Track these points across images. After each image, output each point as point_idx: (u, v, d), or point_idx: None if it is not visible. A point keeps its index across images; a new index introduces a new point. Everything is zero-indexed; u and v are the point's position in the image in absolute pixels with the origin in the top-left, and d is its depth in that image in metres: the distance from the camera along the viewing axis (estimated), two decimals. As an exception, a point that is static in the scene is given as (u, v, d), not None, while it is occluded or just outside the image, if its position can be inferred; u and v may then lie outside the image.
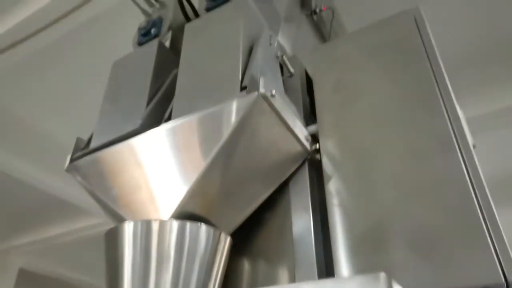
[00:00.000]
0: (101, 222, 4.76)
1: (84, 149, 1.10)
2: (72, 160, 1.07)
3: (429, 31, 1.09)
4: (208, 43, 1.05)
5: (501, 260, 0.73)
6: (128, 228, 0.79)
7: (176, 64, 1.20)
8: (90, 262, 5.60)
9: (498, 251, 0.74)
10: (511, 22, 2.80)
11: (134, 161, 0.94)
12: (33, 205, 4.64)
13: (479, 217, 0.77)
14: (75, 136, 1.15)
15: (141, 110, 1.04)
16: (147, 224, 0.79)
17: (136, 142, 0.95)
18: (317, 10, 1.60)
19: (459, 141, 0.87)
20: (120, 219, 0.94)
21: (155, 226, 0.79)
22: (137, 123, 1.00)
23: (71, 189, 4.22)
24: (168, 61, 1.21)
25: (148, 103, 1.06)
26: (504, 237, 0.76)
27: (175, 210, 0.83)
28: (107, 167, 0.98)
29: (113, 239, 0.80)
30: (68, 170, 1.07)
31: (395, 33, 1.13)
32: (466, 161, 0.84)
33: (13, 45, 2.90)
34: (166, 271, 0.75)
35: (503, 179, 3.66)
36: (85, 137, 1.15)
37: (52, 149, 3.78)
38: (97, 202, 1.03)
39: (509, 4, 2.68)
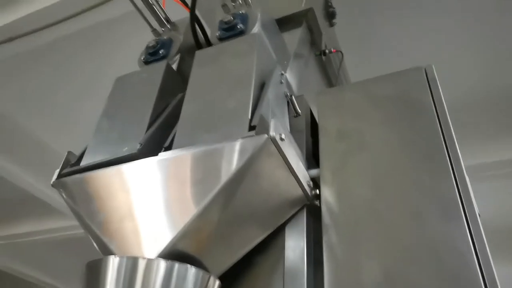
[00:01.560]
0: (71, 225, 4.59)
1: (74, 165, 1.05)
2: (60, 176, 1.01)
3: (440, 89, 1.09)
4: (219, 74, 1.03)
5: None
6: (113, 263, 0.73)
7: (181, 88, 1.17)
8: (57, 265, 5.37)
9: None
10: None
11: (125, 189, 0.89)
12: (2, 200, 4.46)
13: (482, 289, 0.75)
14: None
15: (141, 133, 1.00)
16: (133, 261, 0.73)
17: (130, 168, 0.90)
18: (327, 51, 1.60)
19: (465, 208, 0.85)
20: (103, 246, 0.88)
21: (141, 265, 0.73)
22: (135, 147, 0.95)
23: (43, 187, 4.08)
24: (174, 85, 1.18)
25: (149, 126, 1.02)
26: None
27: (164, 249, 0.78)
28: (97, 189, 0.93)
29: (95, 273, 0.75)
30: (54, 185, 1.01)
31: (405, 87, 1.12)
32: (472, 231, 0.81)
33: (11, 39, 2.83)
34: (149, 316, 0.69)
35: (497, 231, 3.68)
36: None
37: (29, 143, 3.66)
38: (80, 224, 0.98)
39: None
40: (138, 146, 0.95)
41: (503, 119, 3.16)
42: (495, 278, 0.75)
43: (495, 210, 3.49)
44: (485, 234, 0.81)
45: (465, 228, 0.82)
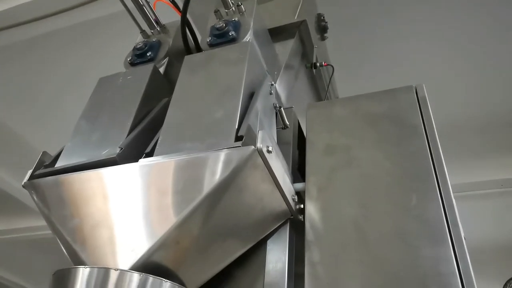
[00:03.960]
0: (46, 225, 4.41)
1: (48, 166, 0.99)
2: (32, 177, 0.96)
3: (430, 110, 1.08)
4: (207, 81, 0.99)
5: None
6: (83, 274, 0.69)
7: (167, 93, 1.13)
8: (27, 265, 5.16)
9: None
10: (495, 101, 2.92)
11: (101, 194, 0.84)
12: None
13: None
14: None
15: (122, 137, 0.96)
16: (104, 273, 0.69)
17: (108, 173, 0.86)
18: (318, 64, 1.58)
19: (452, 231, 0.83)
20: (74, 255, 0.83)
21: (113, 277, 0.69)
22: (114, 151, 0.91)
23: (18, 185, 3.90)
24: (159, 89, 1.14)
25: (130, 130, 0.98)
26: None
27: (138, 260, 0.74)
28: (71, 194, 0.88)
29: (62, 284, 0.70)
30: (25, 186, 0.96)
31: (395, 106, 1.11)
32: (457, 255, 0.80)
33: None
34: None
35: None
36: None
37: (7, 139, 3.52)
38: (51, 230, 0.92)
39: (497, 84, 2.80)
40: (117, 150, 0.91)
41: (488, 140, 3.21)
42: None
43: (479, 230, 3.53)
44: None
45: (451, 252, 0.80)
